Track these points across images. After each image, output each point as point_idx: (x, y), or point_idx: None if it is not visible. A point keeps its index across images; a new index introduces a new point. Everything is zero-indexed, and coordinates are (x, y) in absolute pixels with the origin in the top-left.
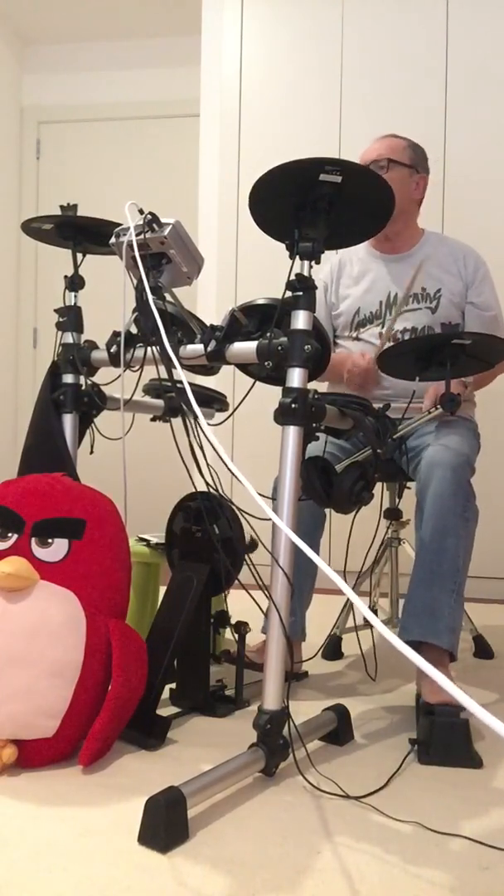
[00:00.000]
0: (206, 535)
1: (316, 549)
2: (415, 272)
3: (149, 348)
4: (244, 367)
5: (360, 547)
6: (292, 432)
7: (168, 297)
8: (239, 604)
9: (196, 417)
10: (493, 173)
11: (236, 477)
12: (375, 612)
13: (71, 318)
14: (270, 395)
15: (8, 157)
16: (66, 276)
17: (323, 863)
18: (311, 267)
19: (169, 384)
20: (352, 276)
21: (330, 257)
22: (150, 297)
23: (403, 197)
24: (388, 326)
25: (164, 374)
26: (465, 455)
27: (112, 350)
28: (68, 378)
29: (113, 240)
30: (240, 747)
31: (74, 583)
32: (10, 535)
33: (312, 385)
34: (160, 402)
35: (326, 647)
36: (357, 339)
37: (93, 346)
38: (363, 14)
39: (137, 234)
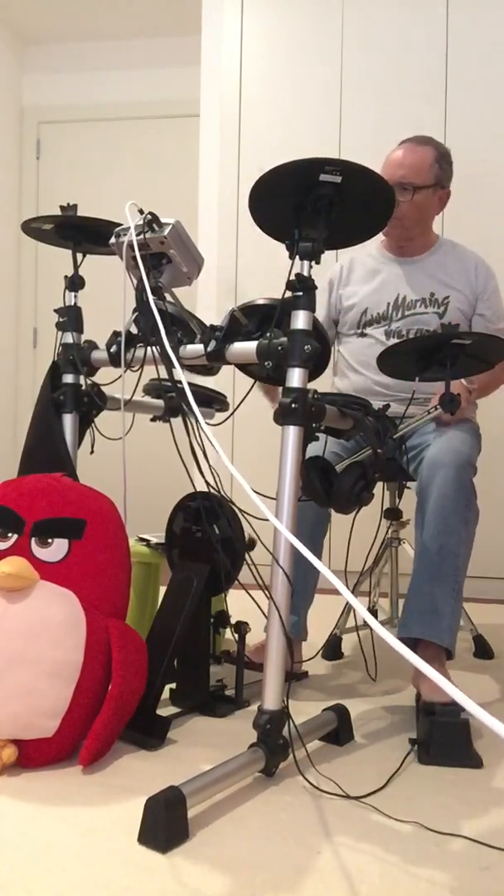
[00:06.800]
0: (206, 535)
1: (319, 549)
2: None
3: (149, 348)
4: (244, 367)
5: (360, 547)
6: (292, 432)
7: (168, 297)
8: (239, 604)
9: (196, 418)
10: (494, 172)
11: (236, 477)
12: (375, 612)
13: (71, 318)
14: None
15: (8, 157)
16: (66, 276)
17: (323, 863)
18: (310, 267)
19: (169, 384)
20: (362, 275)
21: (340, 257)
22: (150, 297)
23: (425, 215)
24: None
25: (164, 374)
26: (466, 454)
27: (112, 350)
28: (68, 378)
29: (113, 240)
30: (240, 747)
31: (74, 583)
32: (10, 535)
33: (312, 385)
34: (160, 403)
35: (326, 647)
36: (363, 335)
37: (93, 346)
38: (363, 14)
39: (137, 234)
